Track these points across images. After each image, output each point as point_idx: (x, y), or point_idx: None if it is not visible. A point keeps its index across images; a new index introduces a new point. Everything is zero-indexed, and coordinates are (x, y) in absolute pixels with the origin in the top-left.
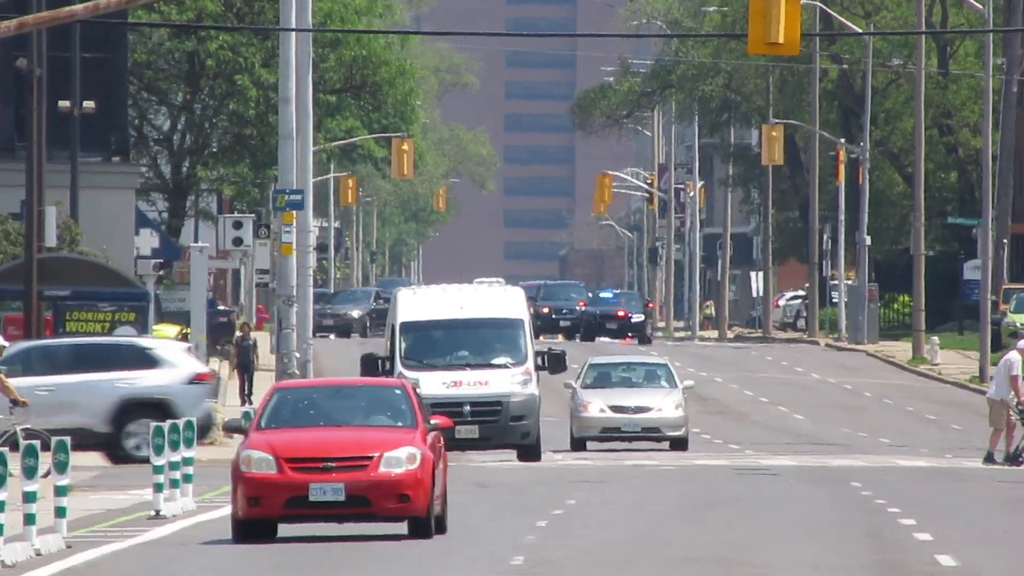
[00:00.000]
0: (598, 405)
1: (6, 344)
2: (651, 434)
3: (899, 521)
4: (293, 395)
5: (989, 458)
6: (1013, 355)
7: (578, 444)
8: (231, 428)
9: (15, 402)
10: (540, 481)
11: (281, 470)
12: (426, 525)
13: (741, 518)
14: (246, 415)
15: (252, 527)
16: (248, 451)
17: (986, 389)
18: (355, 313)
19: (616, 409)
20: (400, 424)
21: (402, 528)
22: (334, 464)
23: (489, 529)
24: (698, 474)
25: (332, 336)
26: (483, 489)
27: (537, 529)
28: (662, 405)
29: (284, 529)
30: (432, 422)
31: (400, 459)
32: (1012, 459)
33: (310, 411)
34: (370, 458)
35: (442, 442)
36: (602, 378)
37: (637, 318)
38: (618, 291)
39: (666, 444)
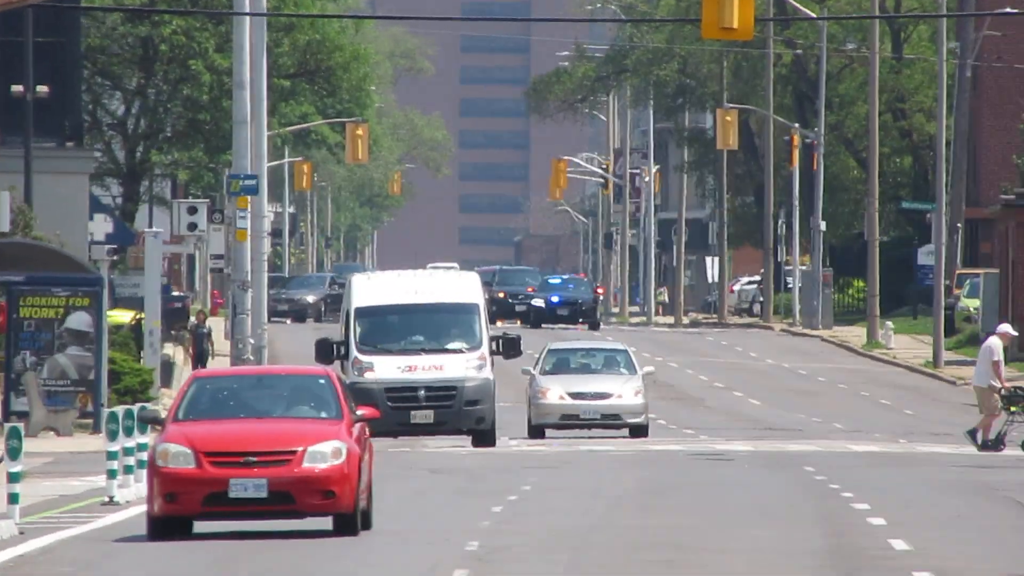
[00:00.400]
0: (557, 392)
1: None
2: (611, 421)
3: (853, 506)
4: (212, 385)
5: (987, 444)
6: (993, 340)
7: (536, 431)
8: (146, 419)
9: None
10: (495, 467)
11: (200, 465)
12: (352, 522)
13: (696, 503)
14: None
15: (168, 524)
16: (165, 444)
17: (939, 373)
18: (310, 298)
19: (575, 396)
20: (325, 415)
21: (326, 524)
22: (255, 459)
23: (444, 515)
24: (653, 459)
25: (288, 321)
26: (437, 475)
27: (492, 514)
28: (622, 392)
29: (200, 526)
30: (358, 412)
31: (325, 453)
32: (994, 445)
33: (230, 402)
34: (293, 452)
35: (368, 433)
36: (561, 364)
37: (589, 304)
38: (567, 276)
39: (625, 431)
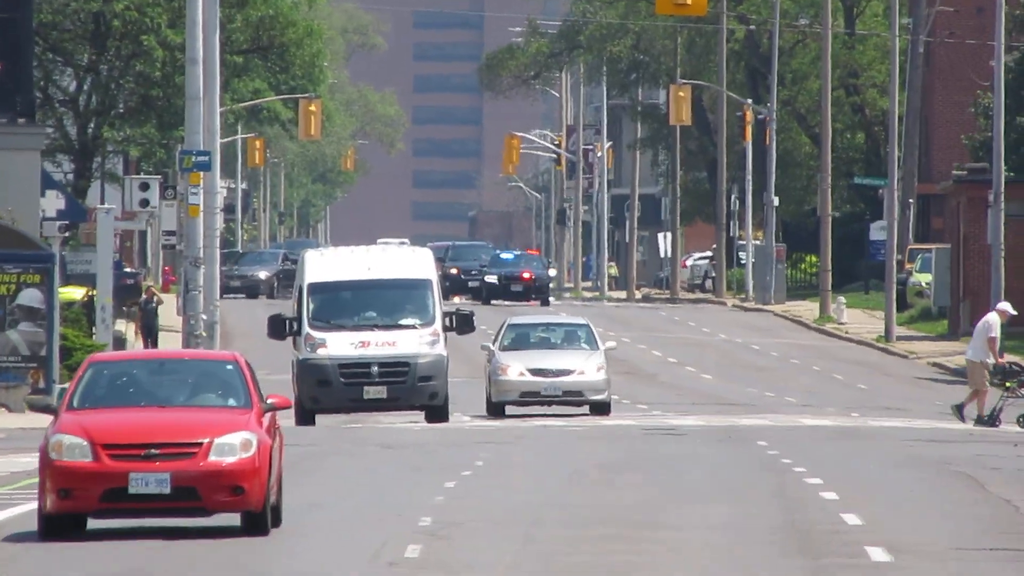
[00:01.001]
0: (517, 368)
1: None
2: (572, 398)
3: (805, 480)
4: (110, 370)
5: (982, 420)
6: (992, 316)
7: (496, 409)
8: (37, 407)
9: None
10: (448, 442)
11: (97, 458)
12: (262, 520)
13: (650, 479)
14: (61, 392)
15: (62, 522)
16: (59, 436)
17: (891, 348)
18: (262, 274)
19: (536, 372)
20: (233, 404)
21: (233, 520)
22: (158, 451)
23: (397, 490)
24: (607, 435)
25: (243, 297)
26: (390, 450)
27: (445, 490)
28: (584, 368)
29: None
30: (268, 401)
31: (233, 446)
32: (990, 421)
33: (130, 389)
34: (199, 444)
35: (278, 423)
36: (521, 340)
37: (541, 280)
38: (519, 252)
39: (587, 408)
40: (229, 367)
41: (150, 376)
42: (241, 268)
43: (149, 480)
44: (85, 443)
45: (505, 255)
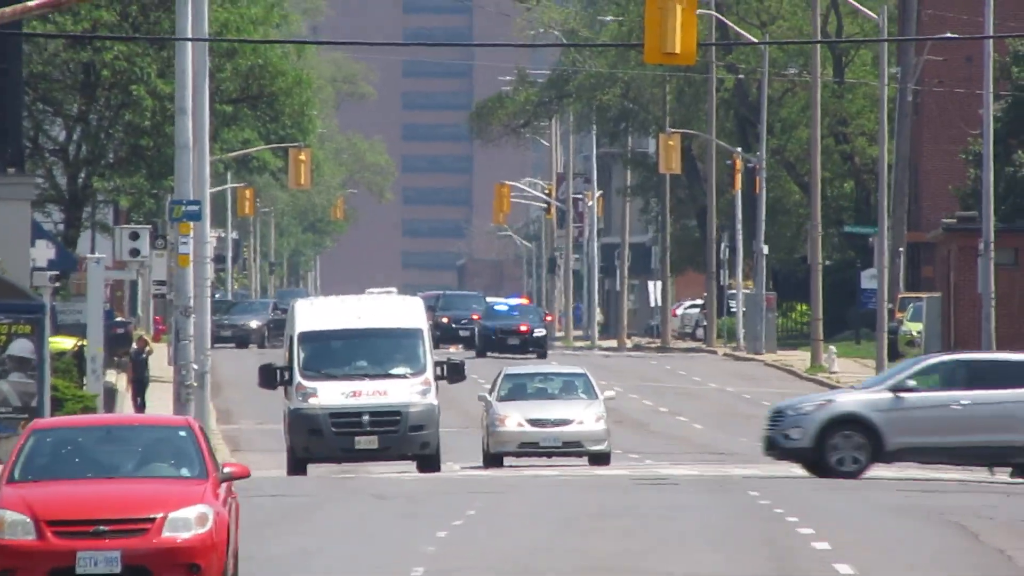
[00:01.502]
0: (516, 419)
1: None
2: (572, 448)
3: (797, 530)
4: (54, 437)
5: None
6: None
7: (493, 460)
8: None
9: None
10: (440, 492)
11: (42, 536)
12: None
13: (641, 527)
14: None
15: None
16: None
17: None
18: (254, 323)
19: (535, 423)
20: (187, 474)
21: None
22: (107, 528)
23: (389, 539)
24: (598, 484)
25: (232, 346)
26: (382, 500)
27: (437, 540)
28: (583, 418)
29: None
30: (225, 470)
31: (189, 520)
32: None
33: (75, 458)
34: (152, 520)
35: (234, 493)
36: (518, 390)
37: (539, 332)
38: (514, 303)
39: (586, 459)
40: (182, 433)
41: (97, 444)
42: (232, 317)
43: (98, 559)
44: (28, 520)
45: (500, 306)
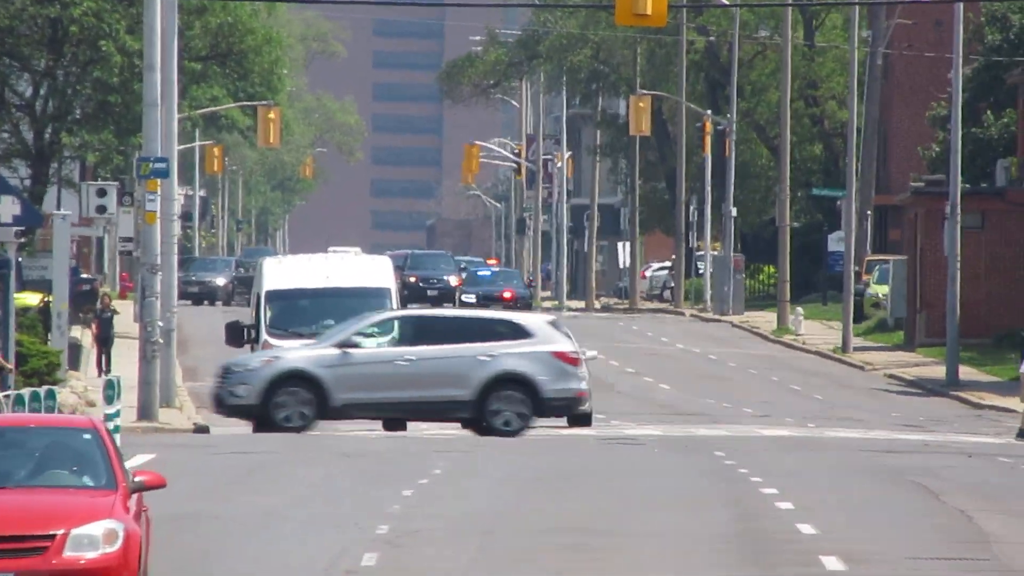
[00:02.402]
0: None
1: None
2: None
3: (761, 490)
4: None
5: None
6: None
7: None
8: None
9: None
10: (406, 451)
11: None
12: None
13: (606, 488)
14: None
15: None
16: None
17: (848, 359)
18: (220, 281)
19: None
20: (91, 484)
21: None
22: None
23: (354, 499)
24: (564, 444)
25: (204, 303)
26: (348, 459)
27: (403, 498)
28: None
29: None
30: (136, 479)
31: (95, 538)
32: None
33: None
34: (51, 537)
35: (146, 506)
36: None
37: (523, 299)
38: (496, 268)
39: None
40: (86, 436)
41: None
42: (198, 274)
43: None
44: None
45: (483, 272)
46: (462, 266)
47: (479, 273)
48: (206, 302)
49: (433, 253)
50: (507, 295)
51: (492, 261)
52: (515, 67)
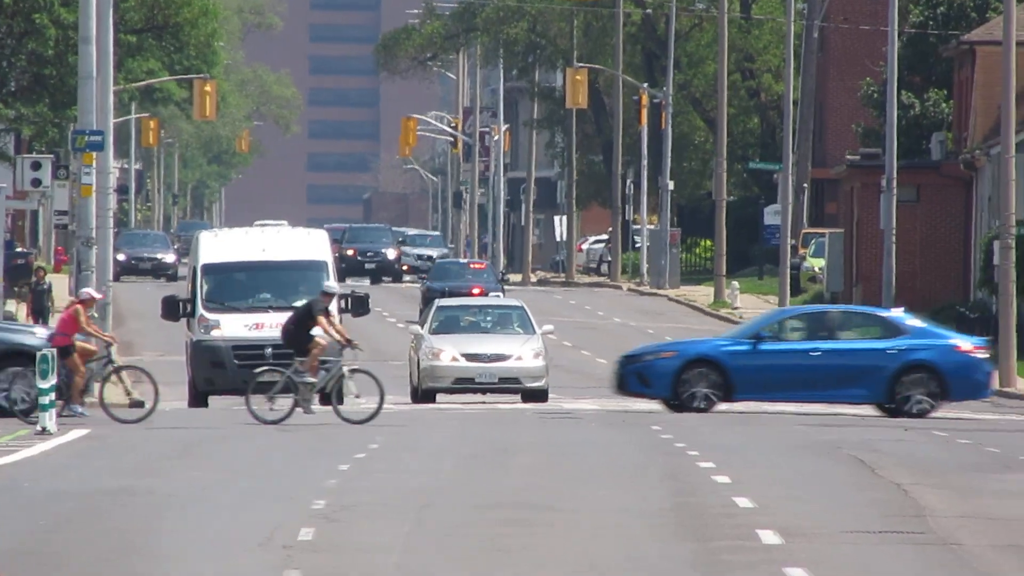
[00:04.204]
0: (450, 353)
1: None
2: (508, 385)
3: (698, 464)
4: None
5: None
6: None
7: (426, 396)
8: None
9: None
10: (342, 425)
11: None
12: None
13: (544, 463)
14: None
15: None
16: None
17: None
18: (170, 257)
19: (470, 357)
20: None
21: None
22: None
23: (290, 473)
24: (501, 418)
25: (154, 279)
26: (284, 433)
27: (340, 473)
28: (521, 353)
29: None
30: None
31: None
32: None
33: None
34: None
35: None
36: (451, 323)
37: (495, 293)
38: (464, 260)
39: (519, 396)
40: None
41: None
42: (148, 250)
43: None
44: None
45: (450, 264)
46: (400, 239)
47: (446, 265)
48: (163, 278)
49: (371, 226)
50: (475, 291)
51: (478, 265)
52: (452, 40)
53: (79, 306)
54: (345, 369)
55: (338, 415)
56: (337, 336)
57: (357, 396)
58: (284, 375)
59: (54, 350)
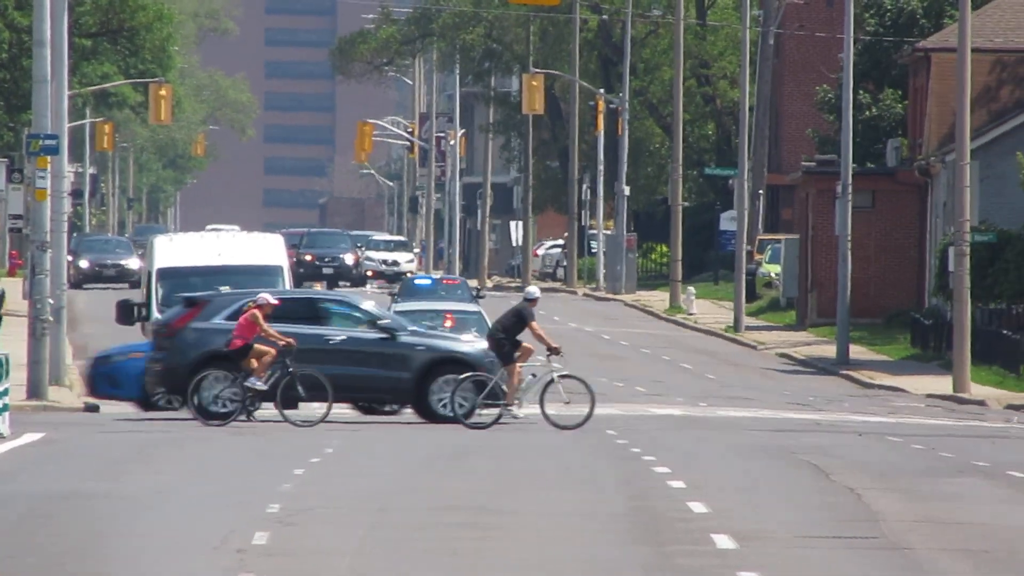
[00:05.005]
0: None
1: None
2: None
3: (653, 469)
4: None
5: None
6: None
7: None
8: None
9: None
10: (297, 429)
11: None
12: None
13: (499, 467)
14: None
15: None
16: None
17: (740, 338)
18: (134, 264)
19: None
20: None
21: None
22: None
23: (245, 477)
24: (455, 424)
25: (124, 287)
26: (239, 437)
27: (294, 477)
28: None
29: None
30: None
31: None
32: None
33: None
34: None
35: None
36: None
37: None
38: (437, 276)
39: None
40: None
41: None
42: (113, 256)
43: None
44: None
45: (420, 281)
46: (359, 244)
47: (416, 283)
48: (128, 284)
49: (329, 231)
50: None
51: (451, 281)
52: (408, 45)
53: (256, 311)
54: (555, 375)
55: (547, 420)
56: (545, 342)
57: (567, 402)
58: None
59: (5, 354)
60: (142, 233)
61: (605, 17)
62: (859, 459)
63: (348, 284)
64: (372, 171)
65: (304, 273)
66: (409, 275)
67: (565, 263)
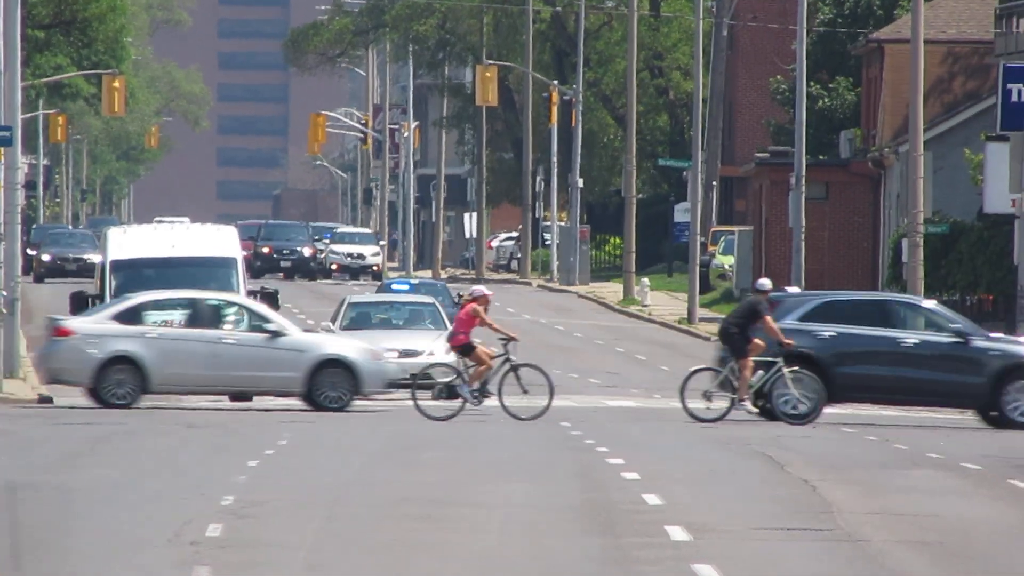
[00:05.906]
0: None
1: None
2: (421, 381)
3: (607, 461)
4: None
5: None
6: None
7: None
8: None
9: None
10: (251, 422)
11: None
12: None
13: (453, 458)
14: None
15: None
16: None
17: (694, 329)
18: (97, 258)
19: None
20: None
21: None
22: None
23: (199, 470)
24: (410, 415)
25: (87, 279)
26: (194, 430)
27: (249, 469)
28: (433, 349)
29: None
30: None
31: None
32: None
33: None
34: None
35: None
36: (362, 319)
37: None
38: (415, 281)
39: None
40: None
41: None
42: (74, 250)
43: None
44: None
45: (398, 286)
46: (320, 236)
47: (394, 287)
48: (89, 278)
49: (287, 223)
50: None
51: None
52: (361, 36)
53: (475, 304)
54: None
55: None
56: (778, 337)
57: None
58: (722, 373)
59: None
60: (96, 225)
61: (558, 8)
62: (813, 451)
63: (306, 277)
64: (325, 163)
65: (262, 266)
66: (376, 269)
67: (519, 255)
